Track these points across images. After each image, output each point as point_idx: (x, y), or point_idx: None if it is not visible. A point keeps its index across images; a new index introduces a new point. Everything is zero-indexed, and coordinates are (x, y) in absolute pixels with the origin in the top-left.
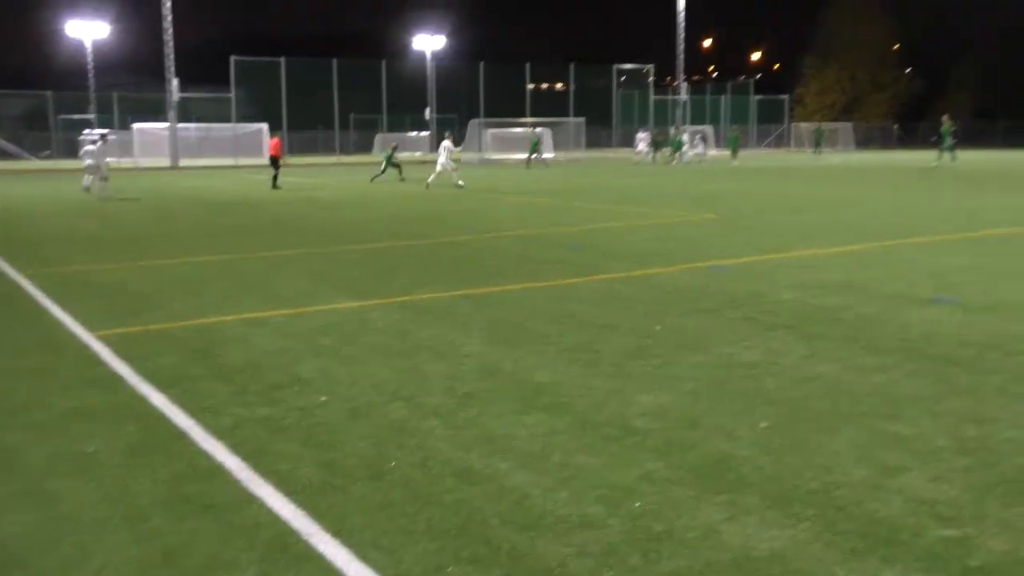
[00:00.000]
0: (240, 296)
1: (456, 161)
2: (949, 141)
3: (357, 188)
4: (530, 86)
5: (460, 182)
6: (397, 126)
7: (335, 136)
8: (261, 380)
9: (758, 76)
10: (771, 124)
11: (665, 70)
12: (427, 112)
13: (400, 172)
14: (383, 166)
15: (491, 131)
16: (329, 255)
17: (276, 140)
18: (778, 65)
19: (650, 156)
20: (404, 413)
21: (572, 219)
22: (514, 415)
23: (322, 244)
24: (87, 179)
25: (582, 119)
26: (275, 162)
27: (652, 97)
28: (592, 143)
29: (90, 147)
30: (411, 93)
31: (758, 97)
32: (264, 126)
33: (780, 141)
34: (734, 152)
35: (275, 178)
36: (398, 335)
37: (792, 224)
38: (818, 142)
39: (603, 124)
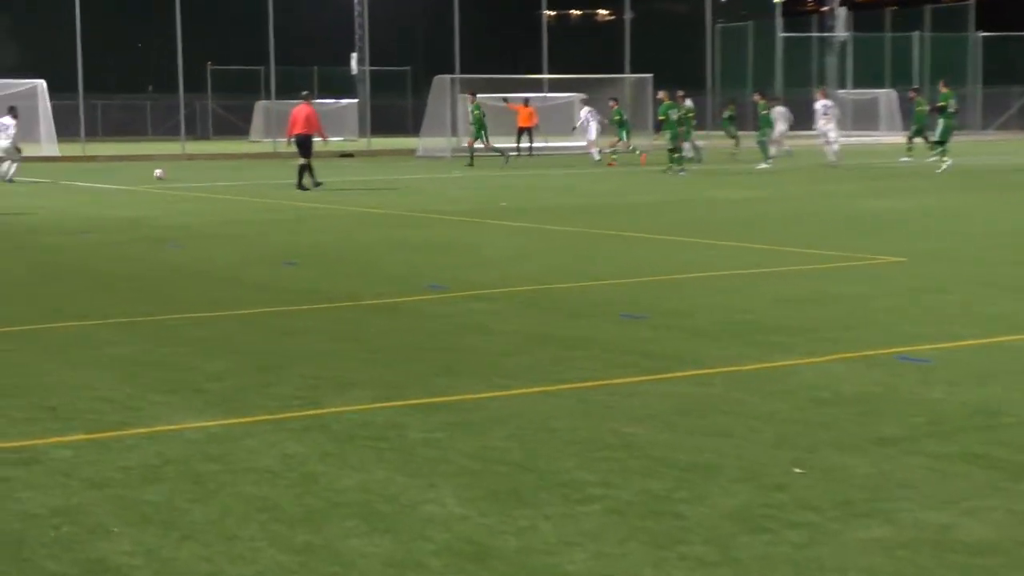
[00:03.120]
0: None
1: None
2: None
3: (215, 200)
4: (548, 13)
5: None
6: (293, 83)
7: (178, 104)
8: (31, 573)
9: None
10: (1010, 86)
11: None
12: (353, 61)
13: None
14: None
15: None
16: (163, 329)
17: (306, 109)
18: None
19: (600, 150)
20: None
21: (620, 263)
22: None
23: (150, 308)
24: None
25: (648, 75)
26: (306, 146)
27: (779, 34)
28: None
29: (5, 122)
30: (321, 30)
31: (982, 34)
32: (40, 83)
33: None
34: (942, 139)
35: (305, 171)
36: (297, 483)
37: None
38: None
39: (686, 83)
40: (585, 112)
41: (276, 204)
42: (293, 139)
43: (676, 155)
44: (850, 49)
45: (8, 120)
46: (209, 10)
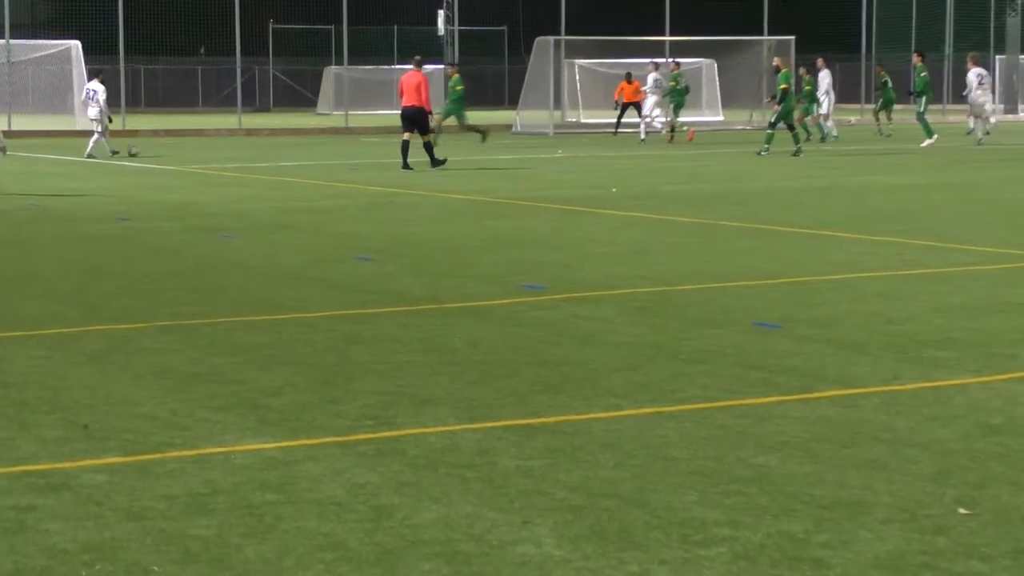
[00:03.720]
0: (15, 423)
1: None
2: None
3: (276, 183)
4: None
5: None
6: (370, 48)
7: (234, 69)
8: None
9: None
10: None
11: None
12: (439, 20)
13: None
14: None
15: (581, 64)
16: (213, 335)
17: (417, 76)
18: None
19: (662, 127)
20: None
21: (751, 261)
22: None
23: (198, 310)
24: (95, 139)
25: (789, 38)
26: (417, 119)
27: None
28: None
29: (93, 88)
30: None
31: None
32: (74, 44)
33: None
34: None
35: (428, 151)
36: (368, 518)
37: None
38: None
39: (837, 47)
40: (651, 79)
41: (348, 189)
42: (408, 112)
43: (770, 132)
44: None
45: (97, 85)
46: None
